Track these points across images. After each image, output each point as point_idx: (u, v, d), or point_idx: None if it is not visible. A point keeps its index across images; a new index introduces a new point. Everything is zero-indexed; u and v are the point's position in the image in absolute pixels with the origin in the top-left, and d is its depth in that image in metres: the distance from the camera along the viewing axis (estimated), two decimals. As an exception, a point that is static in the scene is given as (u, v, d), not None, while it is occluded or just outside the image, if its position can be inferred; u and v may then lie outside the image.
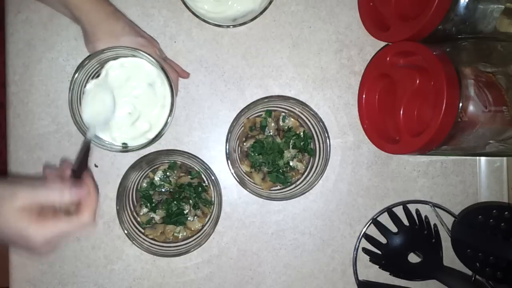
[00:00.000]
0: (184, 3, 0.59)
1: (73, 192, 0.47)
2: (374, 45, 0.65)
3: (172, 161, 0.63)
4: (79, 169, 0.52)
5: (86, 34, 0.57)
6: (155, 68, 0.57)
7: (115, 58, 0.58)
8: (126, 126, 0.58)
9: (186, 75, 0.63)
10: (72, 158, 0.63)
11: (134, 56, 0.58)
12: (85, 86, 0.58)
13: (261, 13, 0.59)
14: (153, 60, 0.56)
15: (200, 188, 0.62)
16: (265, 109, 0.63)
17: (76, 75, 0.56)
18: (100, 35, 0.55)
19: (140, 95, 0.58)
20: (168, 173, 0.63)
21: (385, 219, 0.65)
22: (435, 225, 0.65)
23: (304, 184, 0.60)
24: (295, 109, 0.62)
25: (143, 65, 0.58)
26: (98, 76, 0.59)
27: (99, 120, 0.57)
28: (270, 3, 0.59)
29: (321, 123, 0.59)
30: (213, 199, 0.63)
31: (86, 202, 0.49)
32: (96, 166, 0.63)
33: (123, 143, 0.59)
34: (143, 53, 0.56)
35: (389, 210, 0.65)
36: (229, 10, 0.60)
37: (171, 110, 0.57)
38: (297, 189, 0.61)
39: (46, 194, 0.46)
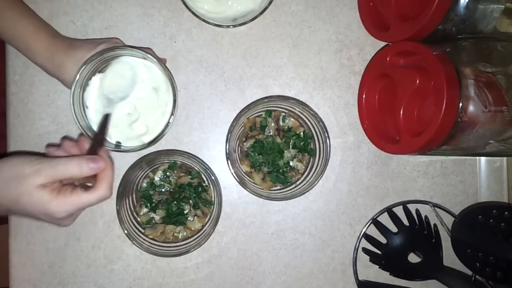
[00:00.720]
0: (184, 3, 0.59)
1: (91, 167, 0.49)
2: (374, 45, 0.65)
3: (172, 161, 0.63)
4: (97, 144, 0.53)
5: (57, 78, 0.59)
6: (163, 74, 0.57)
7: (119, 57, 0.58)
8: (124, 125, 0.58)
9: (163, 60, 0.63)
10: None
11: (144, 58, 0.58)
12: (90, 79, 0.58)
13: (261, 13, 0.59)
14: (162, 66, 0.56)
15: (200, 188, 0.62)
16: (265, 109, 0.63)
17: (83, 67, 0.55)
18: (70, 70, 0.56)
19: (143, 97, 0.58)
20: (168, 173, 0.63)
21: (385, 219, 0.65)
22: (435, 225, 0.65)
23: (304, 184, 0.60)
24: (295, 109, 0.62)
25: (152, 68, 0.58)
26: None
27: (118, 95, 0.58)
28: (270, 3, 0.59)
29: (321, 123, 0.59)
30: (213, 199, 0.63)
31: (103, 176, 0.50)
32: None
33: (117, 142, 0.58)
34: (152, 57, 0.56)
35: (389, 210, 0.65)
36: (229, 10, 0.60)
37: (168, 122, 0.57)
38: (297, 189, 0.61)
39: (66, 169, 0.48)
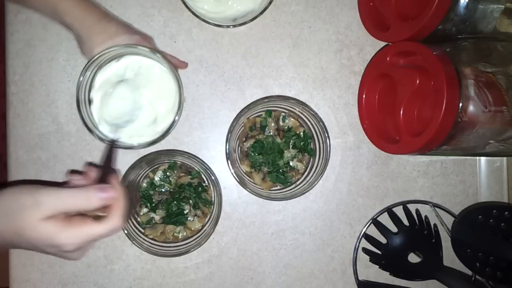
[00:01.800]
0: (184, 3, 0.59)
1: (101, 197, 0.45)
2: (374, 45, 0.65)
3: (172, 161, 0.63)
4: (105, 172, 0.51)
5: (80, 40, 0.56)
6: (172, 77, 0.57)
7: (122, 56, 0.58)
8: (147, 128, 0.58)
9: (184, 65, 0.63)
10: (73, 157, 0.63)
11: (150, 57, 0.58)
12: (94, 80, 0.58)
13: (261, 13, 0.59)
14: (170, 67, 0.56)
15: (200, 188, 0.62)
16: (265, 109, 0.63)
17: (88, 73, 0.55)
18: (95, 39, 0.54)
19: (156, 96, 0.59)
20: (168, 173, 0.63)
21: (385, 219, 0.65)
22: (435, 225, 0.65)
23: (304, 184, 0.60)
24: (295, 109, 0.62)
25: (164, 71, 0.58)
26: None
27: (122, 120, 0.57)
28: (270, 3, 0.59)
29: (321, 123, 0.59)
30: (213, 199, 0.63)
31: (116, 206, 0.47)
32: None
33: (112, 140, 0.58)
34: (159, 56, 0.56)
35: (389, 210, 0.65)
36: (229, 10, 0.60)
37: (173, 121, 0.57)
38: (297, 189, 0.61)
39: (72, 202, 0.44)
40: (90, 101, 0.58)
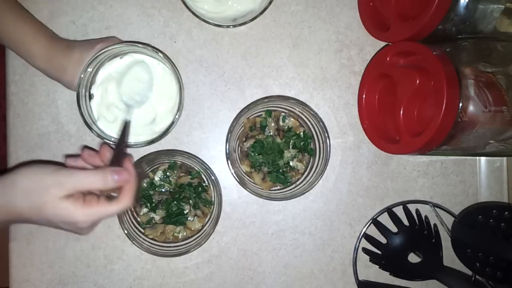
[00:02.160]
0: (184, 3, 0.59)
1: (116, 179, 0.49)
2: (374, 45, 0.65)
3: (172, 161, 0.63)
4: (119, 153, 0.53)
5: (57, 79, 0.59)
6: (169, 69, 0.58)
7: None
8: (144, 127, 0.59)
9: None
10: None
11: (153, 57, 0.59)
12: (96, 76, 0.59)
13: (261, 13, 0.59)
14: (172, 68, 0.57)
15: (200, 188, 0.62)
16: (265, 109, 0.63)
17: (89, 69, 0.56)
18: (67, 71, 0.57)
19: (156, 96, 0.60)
20: (168, 173, 0.63)
21: (385, 219, 0.65)
22: (435, 225, 0.65)
23: (304, 184, 0.60)
24: (295, 109, 0.62)
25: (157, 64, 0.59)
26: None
27: (136, 100, 0.58)
28: (270, 3, 0.59)
29: (321, 123, 0.59)
30: (213, 199, 0.63)
31: (127, 187, 0.50)
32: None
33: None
34: (161, 55, 0.57)
35: (389, 210, 0.65)
36: (229, 10, 0.60)
37: (172, 122, 0.57)
38: (297, 189, 0.61)
39: (90, 181, 0.48)
40: (90, 97, 0.59)
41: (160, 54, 0.57)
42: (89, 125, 0.57)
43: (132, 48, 0.58)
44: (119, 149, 0.54)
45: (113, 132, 0.59)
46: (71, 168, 0.52)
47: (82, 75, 0.56)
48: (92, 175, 0.49)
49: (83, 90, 0.57)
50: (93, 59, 0.56)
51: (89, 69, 0.56)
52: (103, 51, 0.55)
